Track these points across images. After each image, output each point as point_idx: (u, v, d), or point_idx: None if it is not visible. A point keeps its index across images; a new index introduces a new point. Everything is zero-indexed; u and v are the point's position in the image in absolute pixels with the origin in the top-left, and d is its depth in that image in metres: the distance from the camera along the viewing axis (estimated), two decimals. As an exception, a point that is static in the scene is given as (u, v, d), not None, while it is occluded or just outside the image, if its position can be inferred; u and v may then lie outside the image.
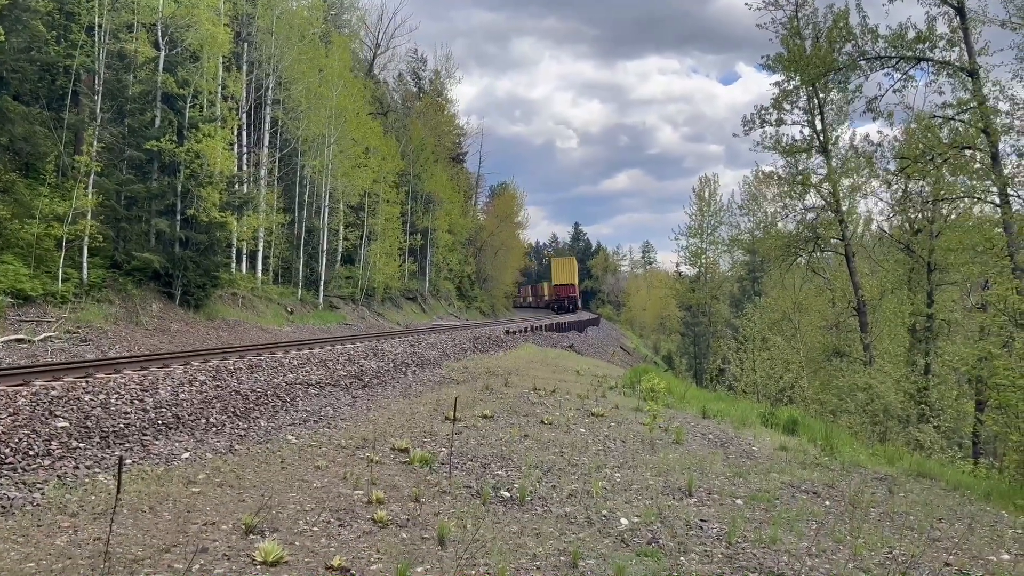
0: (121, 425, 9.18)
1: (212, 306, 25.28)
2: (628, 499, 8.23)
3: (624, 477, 9.27)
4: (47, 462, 7.54)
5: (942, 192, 22.81)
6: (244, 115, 34.18)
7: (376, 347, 21.20)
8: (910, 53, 21.98)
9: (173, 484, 7.31)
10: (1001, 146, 19.34)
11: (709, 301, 64.36)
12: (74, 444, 8.21)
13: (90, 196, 20.89)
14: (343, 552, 5.82)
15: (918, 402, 23.59)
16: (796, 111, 28.66)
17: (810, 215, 29.80)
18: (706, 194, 68.64)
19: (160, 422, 9.65)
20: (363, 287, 41.30)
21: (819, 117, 28.44)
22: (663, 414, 14.15)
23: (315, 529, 6.39)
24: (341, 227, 41.08)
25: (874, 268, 31.65)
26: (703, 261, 67.88)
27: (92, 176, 21.24)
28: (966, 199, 22.62)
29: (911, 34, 21.65)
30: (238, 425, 10.28)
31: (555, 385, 18.21)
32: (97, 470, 7.50)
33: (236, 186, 29.75)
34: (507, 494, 8.01)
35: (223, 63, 29.88)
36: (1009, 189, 18.83)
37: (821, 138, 28.40)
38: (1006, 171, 19.13)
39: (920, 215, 27.27)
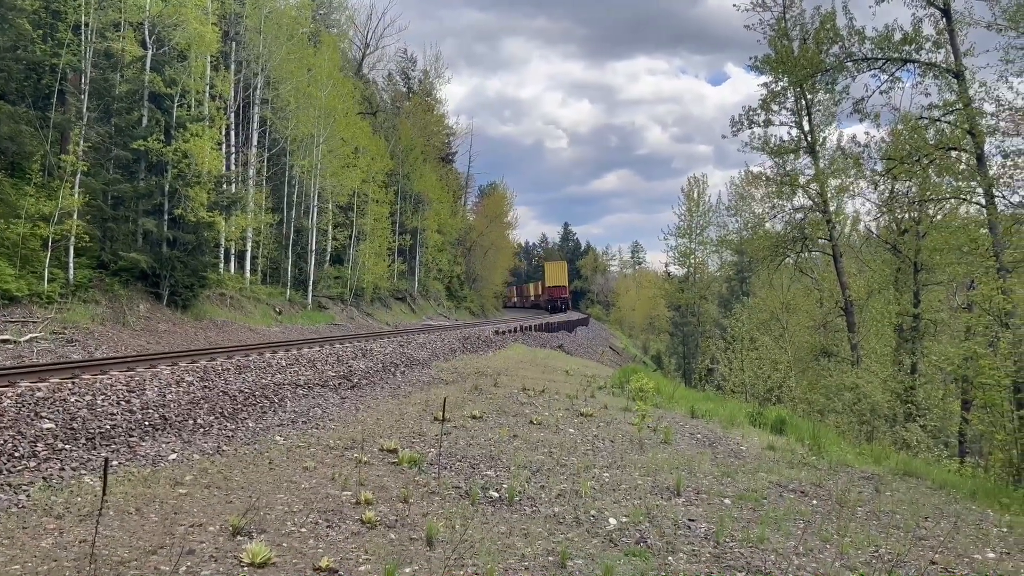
0: (107, 426, 9.11)
1: (200, 306, 25.13)
2: (616, 499, 8.25)
3: (613, 477, 9.29)
4: (32, 464, 7.48)
5: (928, 193, 22.97)
6: (232, 114, 34.04)
7: (365, 347, 21.15)
8: (897, 55, 22.16)
9: (160, 485, 7.26)
10: (986, 147, 19.53)
11: (698, 301, 64.73)
12: (60, 445, 8.14)
13: (76, 196, 20.72)
14: (331, 553, 5.81)
15: (905, 401, 23.73)
16: (784, 112, 28.89)
17: (798, 215, 30.01)
18: (695, 194, 69.14)
19: (147, 423, 9.59)
20: (352, 287, 41.17)
21: (807, 118, 28.63)
22: (652, 414, 14.20)
23: (303, 530, 6.37)
24: (330, 227, 40.97)
25: (861, 268, 31.86)
26: (692, 261, 68.26)
27: (78, 175, 21.06)
28: (952, 200, 22.82)
29: (897, 36, 21.85)
30: (226, 426, 10.23)
31: (544, 385, 18.22)
32: (83, 472, 7.45)
33: (224, 186, 29.60)
34: (496, 494, 8.01)
35: (211, 62, 29.73)
36: (994, 190, 18.98)
37: (809, 139, 28.57)
38: (991, 172, 19.28)
39: (907, 215, 27.45)
